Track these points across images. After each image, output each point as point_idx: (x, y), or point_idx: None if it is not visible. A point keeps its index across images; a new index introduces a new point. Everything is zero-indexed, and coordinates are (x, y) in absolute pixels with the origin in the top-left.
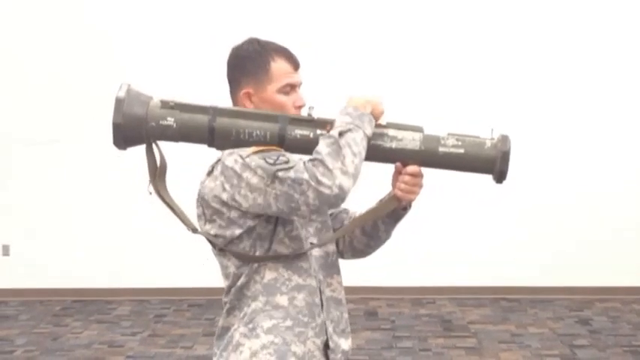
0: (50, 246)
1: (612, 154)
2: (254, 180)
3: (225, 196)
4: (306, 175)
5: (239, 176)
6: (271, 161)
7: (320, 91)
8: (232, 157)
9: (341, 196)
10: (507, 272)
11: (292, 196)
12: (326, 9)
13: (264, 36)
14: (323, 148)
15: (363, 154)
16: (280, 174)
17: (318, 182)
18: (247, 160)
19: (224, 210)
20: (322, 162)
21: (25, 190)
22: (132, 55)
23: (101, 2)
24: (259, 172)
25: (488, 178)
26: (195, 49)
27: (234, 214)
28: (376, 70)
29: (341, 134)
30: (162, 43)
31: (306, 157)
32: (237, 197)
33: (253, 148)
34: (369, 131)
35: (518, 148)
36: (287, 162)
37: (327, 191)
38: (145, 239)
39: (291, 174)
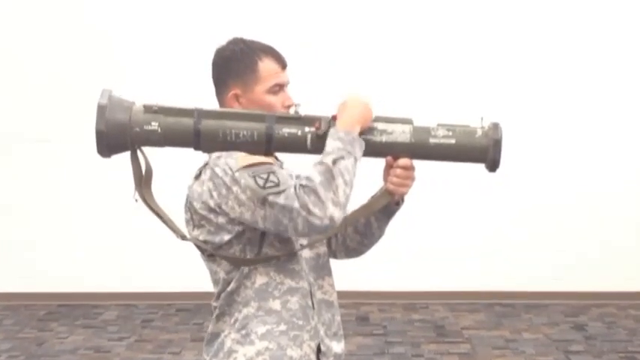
0: (35, 249)
1: (609, 158)
2: (242, 197)
3: (212, 203)
4: (297, 204)
5: (228, 188)
6: (261, 183)
7: (318, 90)
8: (221, 167)
9: (331, 226)
10: (501, 277)
11: (281, 221)
12: (324, 9)
13: (263, 37)
14: (316, 175)
15: (354, 181)
16: (270, 198)
17: (309, 212)
18: (237, 175)
19: (211, 216)
20: (315, 191)
21: (8, 193)
22: (132, 55)
23: (101, 2)
24: (248, 192)
25: (484, 181)
26: (194, 50)
27: (222, 219)
28: (374, 67)
29: (334, 162)
30: (162, 43)
31: (295, 172)
32: (224, 207)
33: (242, 160)
34: (360, 155)
35: (514, 150)
36: (277, 184)
37: (317, 222)
38: (132, 243)
39: (282, 200)
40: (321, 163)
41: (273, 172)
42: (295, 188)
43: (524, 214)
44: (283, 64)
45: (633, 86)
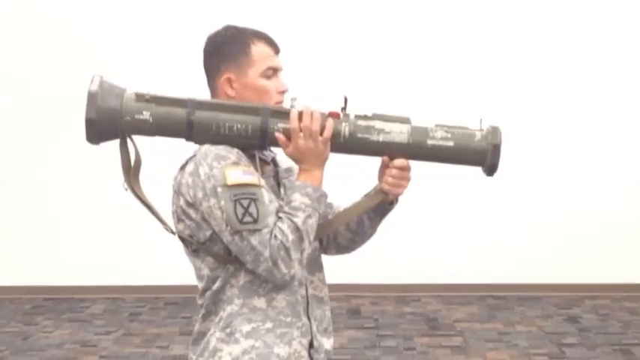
0: (21, 242)
1: (601, 154)
2: (217, 213)
3: (189, 198)
4: (267, 253)
5: (205, 195)
6: (240, 214)
7: (315, 86)
8: (205, 170)
9: (288, 282)
10: (494, 269)
11: (244, 256)
12: (323, 6)
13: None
14: (289, 233)
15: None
16: (244, 234)
17: (276, 265)
18: (219, 190)
19: (191, 211)
20: (287, 249)
21: None
22: (119, 49)
23: (83, 3)
24: (225, 216)
25: (477, 173)
26: (185, 45)
27: (199, 216)
28: (372, 64)
29: (304, 221)
30: (148, 37)
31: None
32: (198, 206)
33: (229, 174)
34: (322, 210)
35: (508, 142)
36: (255, 221)
37: (278, 276)
38: (119, 236)
39: (254, 241)
40: (291, 219)
41: (256, 201)
42: (271, 234)
43: (517, 207)
44: (276, 49)
45: (632, 88)
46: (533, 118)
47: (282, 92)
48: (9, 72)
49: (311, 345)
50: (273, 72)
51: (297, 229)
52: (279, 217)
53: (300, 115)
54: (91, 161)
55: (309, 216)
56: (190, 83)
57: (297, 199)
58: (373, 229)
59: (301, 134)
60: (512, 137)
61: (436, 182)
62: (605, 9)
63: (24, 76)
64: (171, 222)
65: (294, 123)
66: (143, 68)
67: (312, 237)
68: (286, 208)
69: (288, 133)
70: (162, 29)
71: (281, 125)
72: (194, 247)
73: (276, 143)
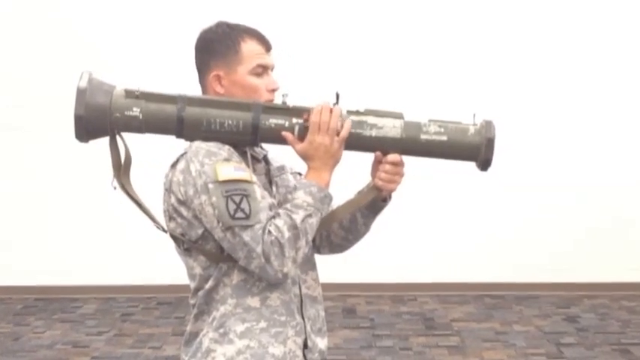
0: (11, 241)
1: (598, 150)
2: (208, 209)
3: (180, 196)
4: (259, 249)
5: (196, 191)
6: (232, 210)
7: (308, 83)
8: (196, 167)
9: (281, 280)
10: (491, 268)
11: (236, 252)
12: (318, 3)
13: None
14: (285, 230)
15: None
16: (236, 230)
17: (268, 261)
18: (210, 187)
19: (182, 209)
20: (281, 246)
21: None
22: (117, 51)
23: (83, 3)
24: (216, 212)
25: (473, 170)
26: (186, 48)
27: (191, 214)
28: (365, 60)
29: (303, 220)
30: (148, 39)
31: (268, 199)
32: (190, 203)
33: (220, 171)
34: (326, 211)
35: (506, 141)
36: (247, 217)
37: (271, 272)
38: (111, 235)
39: (246, 237)
40: (290, 216)
41: (247, 197)
42: (264, 230)
43: (514, 205)
44: (267, 47)
45: (631, 87)
46: (533, 117)
47: (273, 90)
48: (9, 72)
49: (305, 345)
50: (263, 70)
51: (294, 227)
52: (278, 214)
53: (320, 110)
54: (83, 161)
55: (310, 215)
56: (191, 82)
57: (300, 197)
58: (367, 226)
59: (319, 130)
60: (510, 136)
61: (432, 180)
62: (604, 9)
63: (24, 76)
64: (162, 220)
65: (315, 117)
66: (143, 68)
67: (310, 237)
68: (288, 205)
69: (282, 129)
70: (162, 29)
71: (273, 121)
72: (186, 245)
73: (268, 139)
